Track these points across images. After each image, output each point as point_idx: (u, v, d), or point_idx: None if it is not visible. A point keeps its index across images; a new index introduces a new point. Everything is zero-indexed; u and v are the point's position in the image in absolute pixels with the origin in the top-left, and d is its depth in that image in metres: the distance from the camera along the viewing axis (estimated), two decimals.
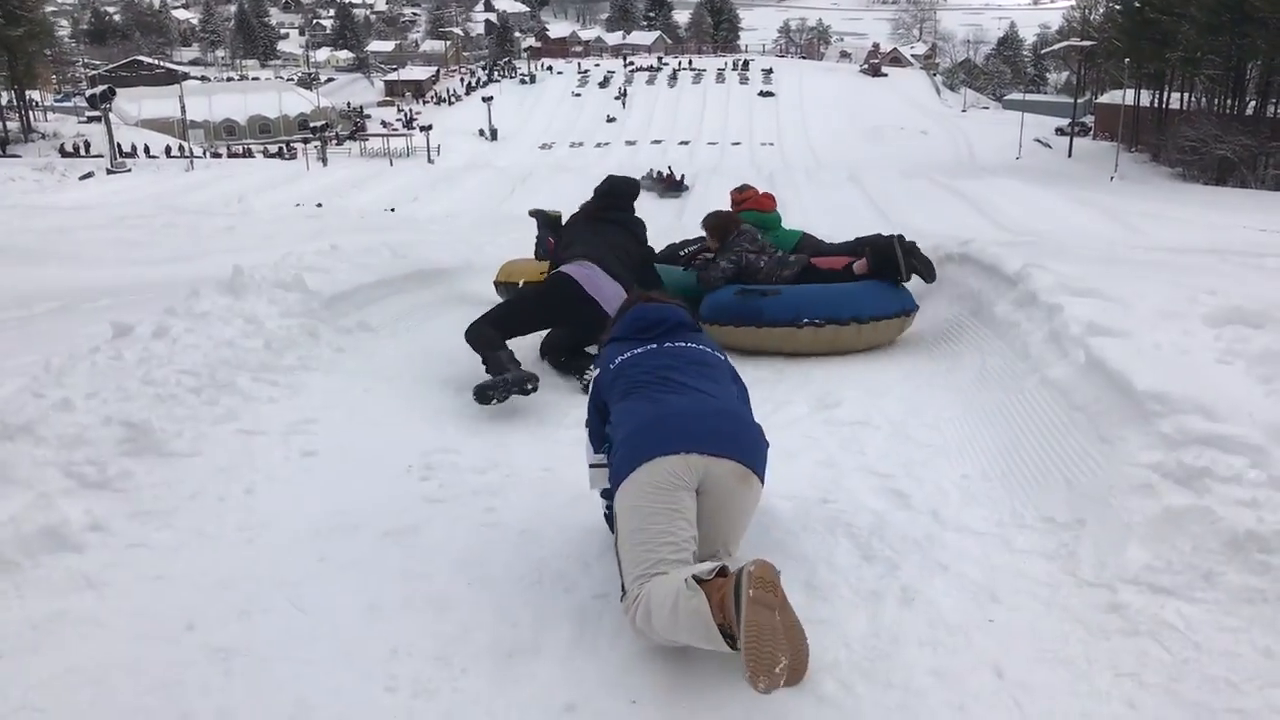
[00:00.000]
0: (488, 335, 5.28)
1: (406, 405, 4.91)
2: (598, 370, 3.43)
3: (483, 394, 4.84)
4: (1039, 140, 63.85)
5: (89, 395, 4.21)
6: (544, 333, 5.87)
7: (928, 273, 6.26)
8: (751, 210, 7.32)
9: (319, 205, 28.96)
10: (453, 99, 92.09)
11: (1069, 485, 3.66)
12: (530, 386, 4.95)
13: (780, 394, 5.11)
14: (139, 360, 4.59)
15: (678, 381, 3.14)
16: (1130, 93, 58.53)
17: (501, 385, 4.89)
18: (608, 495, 3.33)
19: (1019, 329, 5.12)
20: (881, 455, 4.28)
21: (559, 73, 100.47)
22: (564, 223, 6.62)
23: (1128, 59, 56.67)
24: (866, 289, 6.07)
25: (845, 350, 5.98)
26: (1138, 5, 57.09)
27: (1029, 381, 4.56)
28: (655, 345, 3.32)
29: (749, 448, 3.03)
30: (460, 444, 4.42)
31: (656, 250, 6.55)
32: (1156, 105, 59.67)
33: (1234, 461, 3.33)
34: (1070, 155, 58.73)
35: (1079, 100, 70.55)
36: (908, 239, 6.34)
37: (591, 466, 3.38)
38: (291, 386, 4.89)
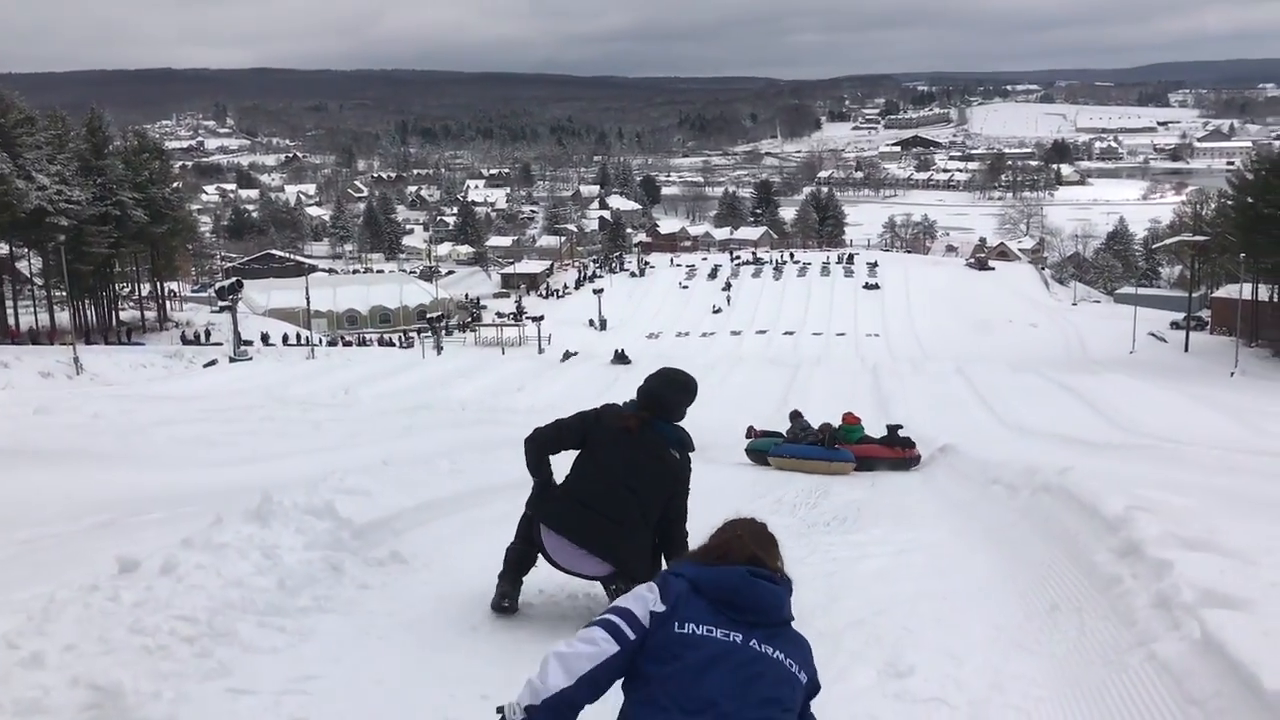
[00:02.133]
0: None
1: (422, 659, 4.38)
2: (655, 600, 2.59)
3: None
4: (1153, 334, 62.12)
5: (67, 648, 3.82)
6: None
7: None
8: (846, 425, 14.11)
9: (345, 393, 28.82)
10: (563, 292, 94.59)
11: None
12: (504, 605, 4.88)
13: (844, 656, 4.44)
14: (135, 603, 4.20)
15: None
16: (1248, 287, 56.87)
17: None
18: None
19: (1122, 586, 4.42)
20: None
21: (675, 265, 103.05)
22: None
23: (1243, 254, 55.30)
24: (814, 448, 13.29)
25: (807, 471, 12.56)
26: (1250, 201, 56.08)
27: (1134, 657, 3.85)
28: (740, 638, 2.53)
29: None
30: (468, 716, 3.87)
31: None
32: (1276, 299, 57.83)
33: None
34: (1186, 350, 56.87)
35: (1194, 294, 68.90)
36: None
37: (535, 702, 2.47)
38: (300, 632, 4.43)
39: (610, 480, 4.66)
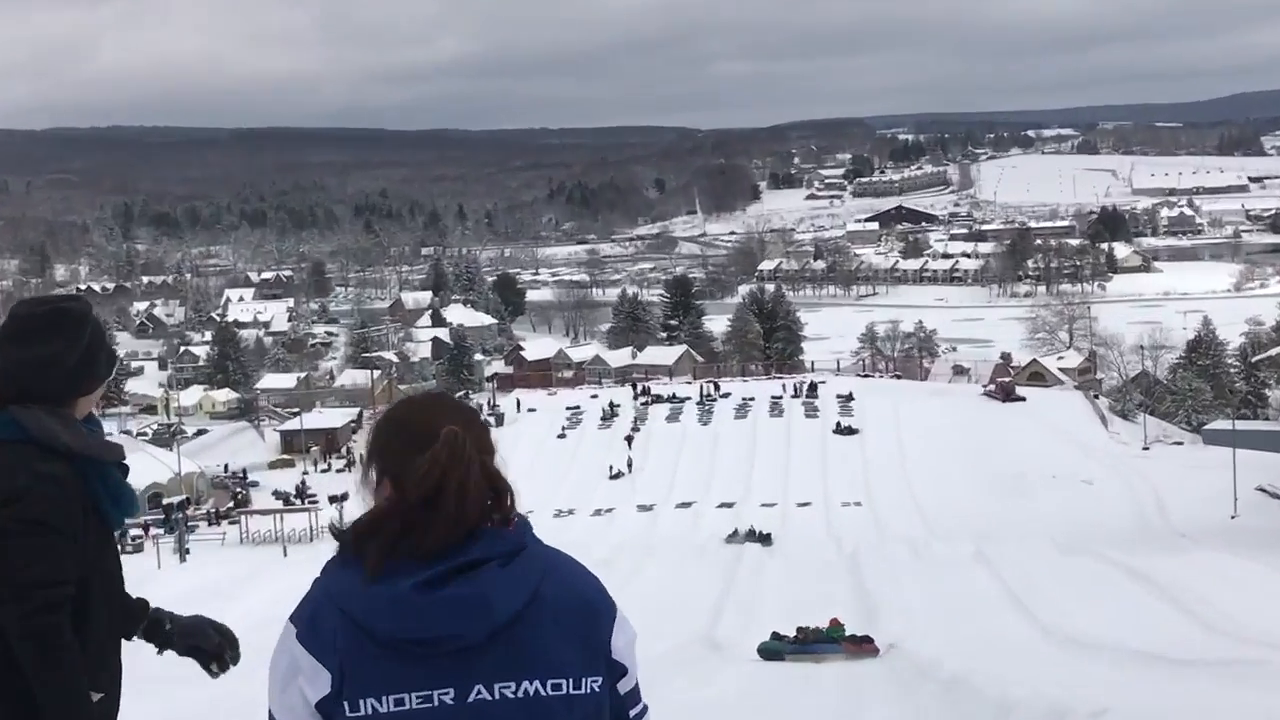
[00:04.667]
0: None
1: None
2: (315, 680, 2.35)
3: None
4: (1264, 489, 63.77)
5: None
6: None
7: None
8: (832, 628, 25.66)
9: None
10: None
11: None
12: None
13: None
14: None
15: None
16: None
17: None
18: None
19: None
20: None
21: (532, 410, 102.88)
22: None
23: None
24: (819, 645, 24.87)
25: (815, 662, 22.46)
26: None
27: None
28: (453, 695, 2.34)
29: None
30: None
31: None
32: None
33: None
34: None
35: None
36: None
37: None
38: None
39: None
